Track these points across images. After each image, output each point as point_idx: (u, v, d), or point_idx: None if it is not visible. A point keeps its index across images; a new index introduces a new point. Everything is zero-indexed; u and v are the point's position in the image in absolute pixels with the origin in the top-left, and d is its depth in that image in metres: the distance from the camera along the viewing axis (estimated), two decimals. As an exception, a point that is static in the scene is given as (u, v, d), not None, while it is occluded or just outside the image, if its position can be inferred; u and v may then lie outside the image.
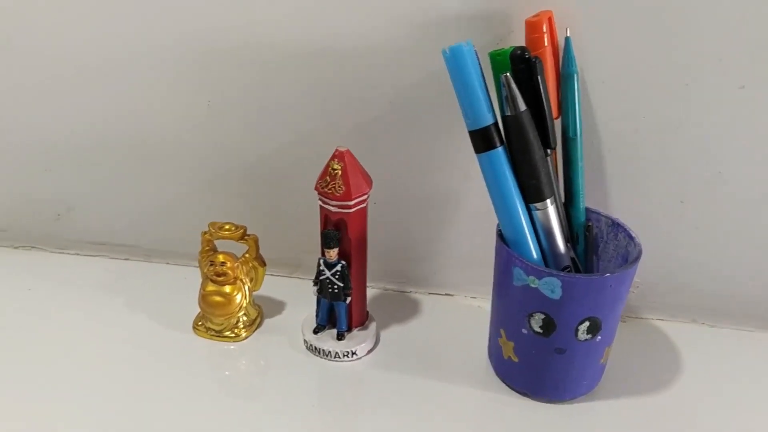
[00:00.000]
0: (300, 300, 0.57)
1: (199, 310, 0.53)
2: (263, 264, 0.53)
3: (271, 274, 0.55)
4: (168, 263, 0.62)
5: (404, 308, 0.57)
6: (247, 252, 0.52)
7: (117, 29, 0.52)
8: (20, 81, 0.55)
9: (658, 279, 0.54)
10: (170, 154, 0.57)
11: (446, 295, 0.59)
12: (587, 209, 0.49)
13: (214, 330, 0.53)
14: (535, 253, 0.45)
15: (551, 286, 0.43)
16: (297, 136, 0.54)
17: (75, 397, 0.47)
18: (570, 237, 0.48)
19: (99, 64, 0.54)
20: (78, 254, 0.63)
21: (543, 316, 0.44)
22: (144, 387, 0.48)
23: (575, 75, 0.46)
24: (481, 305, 0.58)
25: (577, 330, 0.44)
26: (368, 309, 0.54)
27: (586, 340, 0.45)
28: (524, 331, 0.46)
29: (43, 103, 0.56)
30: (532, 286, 0.44)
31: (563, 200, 0.48)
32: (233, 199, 0.57)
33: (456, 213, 0.55)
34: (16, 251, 0.63)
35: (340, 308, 0.51)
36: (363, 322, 0.53)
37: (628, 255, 0.46)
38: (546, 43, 0.45)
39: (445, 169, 0.53)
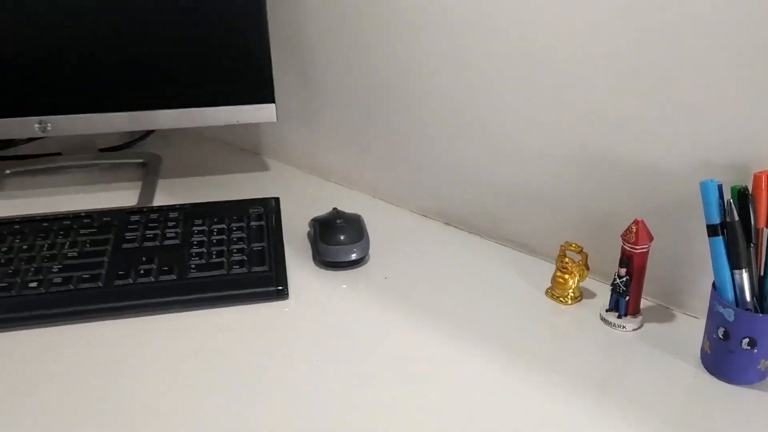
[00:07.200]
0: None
1: (550, 284, 1.02)
2: (587, 269, 0.99)
3: (592, 278, 1.01)
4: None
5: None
6: (580, 260, 0.99)
7: None
8: None
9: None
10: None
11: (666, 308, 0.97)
12: (777, 283, 0.84)
13: (556, 295, 1.01)
14: (730, 296, 0.83)
15: (729, 314, 0.81)
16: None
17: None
18: (759, 295, 0.84)
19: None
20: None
21: (723, 330, 0.82)
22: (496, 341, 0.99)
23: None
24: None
25: (741, 341, 0.81)
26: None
27: (747, 349, 0.81)
28: (714, 336, 0.84)
29: None
30: (720, 311, 0.82)
31: (762, 273, 0.84)
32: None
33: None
34: None
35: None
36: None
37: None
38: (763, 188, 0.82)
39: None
